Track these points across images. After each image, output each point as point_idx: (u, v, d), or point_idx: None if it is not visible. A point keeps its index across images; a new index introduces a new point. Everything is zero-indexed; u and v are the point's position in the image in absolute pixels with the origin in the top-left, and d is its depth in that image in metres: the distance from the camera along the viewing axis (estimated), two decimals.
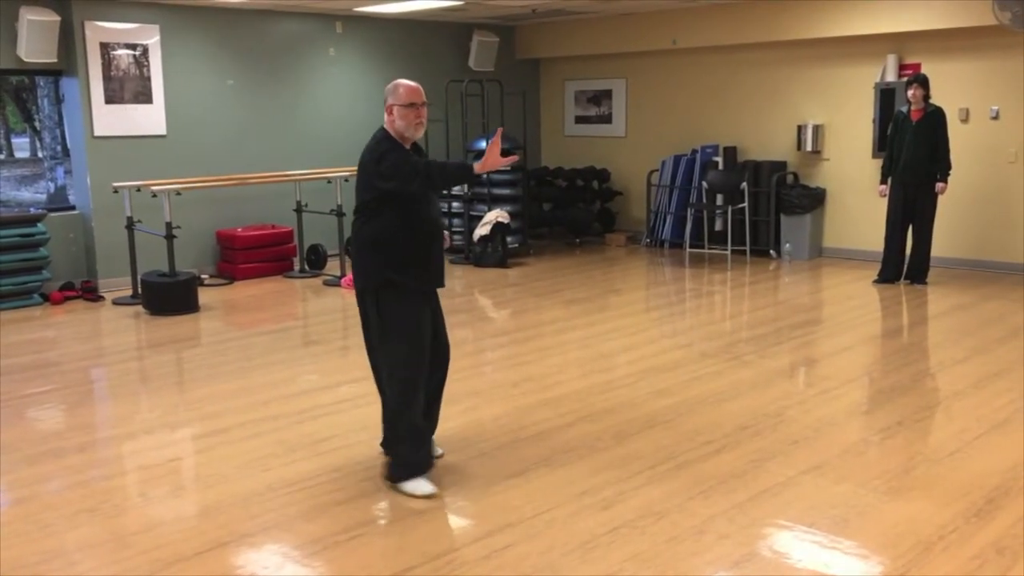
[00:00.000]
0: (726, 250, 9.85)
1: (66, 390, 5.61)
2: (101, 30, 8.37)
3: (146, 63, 8.67)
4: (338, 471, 4.18)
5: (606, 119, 11.59)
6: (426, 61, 10.67)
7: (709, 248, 10.07)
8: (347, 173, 8.88)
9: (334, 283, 8.65)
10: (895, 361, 6.03)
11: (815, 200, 9.71)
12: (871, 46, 9.23)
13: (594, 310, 7.64)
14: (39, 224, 8.04)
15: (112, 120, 8.50)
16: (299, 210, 9.24)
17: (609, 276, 9.24)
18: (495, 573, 3.23)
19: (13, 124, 10.22)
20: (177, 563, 3.34)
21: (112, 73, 8.46)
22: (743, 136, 10.33)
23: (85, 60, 8.30)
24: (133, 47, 8.59)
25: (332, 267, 9.30)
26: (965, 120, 8.77)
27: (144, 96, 8.69)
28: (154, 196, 7.97)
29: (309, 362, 6.11)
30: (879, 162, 8.56)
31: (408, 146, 4.02)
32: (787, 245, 9.83)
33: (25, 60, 8.04)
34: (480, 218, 9.74)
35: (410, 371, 3.96)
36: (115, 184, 8.14)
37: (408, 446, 4.02)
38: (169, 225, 7.84)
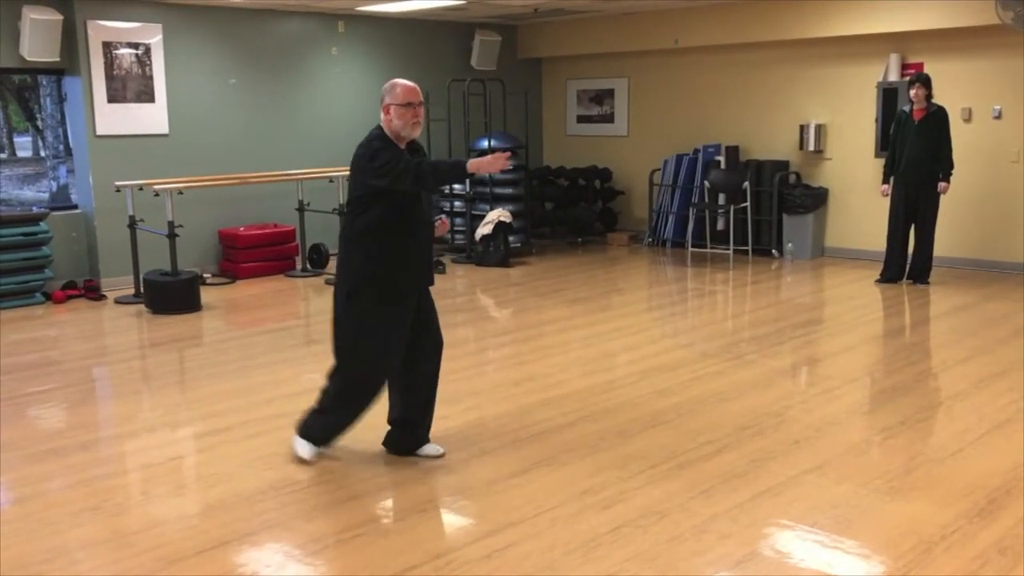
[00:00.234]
0: (728, 250, 9.85)
1: (68, 389, 5.62)
2: (104, 29, 8.38)
3: (148, 62, 8.68)
4: (340, 470, 4.18)
5: (608, 118, 11.59)
6: (428, 60, 10.67)
7: (711, 248, 10.07)
8: (349, 172, 8.86)
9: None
10: (897, 361, 6.03)
11: (817, 200, 9.70)
12: (874, 45, 9.22)
13: (596, 309, 7.64)
14: (41, 223, 8.05)
15: (114, 119, 8.51)
16: (301, 209, 9.25)
17: (611, 275, 9.23)
18: (497, 572, 3.23)
19: (16, 123, 10.23)
20: (179, 562, 3.34)
21: (114, 72, 8.47)
22: (745, 135, 10.33)
23: (88, 59, 8.31)
24: (135, 46, 8.59)
25: (334, 266, 9.28)
26: (968, 120, 8.76)
27: (146, 95, 8.70)
28: (156, 195, 7.98)
29: (311, 361, 6.10)
30: (881, 162, 8.55)
31: (404, 145, 4.05)
32: (789, 245, 9.82)
33: (28, 59, 8.04)
34: (482, 217, 9.74)
35: (360, 385, 4.14)
36: (117, 183, 8.15)
37: (323, 425, 4.23)
38: (171, 224, 7.84)
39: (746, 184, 9.78)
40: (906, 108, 8.14)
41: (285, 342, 6.71)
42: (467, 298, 8.28)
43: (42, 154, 9.64)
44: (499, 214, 9.59)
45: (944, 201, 8.16)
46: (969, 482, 3.94)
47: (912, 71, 8.82)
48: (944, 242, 8.48)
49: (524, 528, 3.56)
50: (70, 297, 8.17)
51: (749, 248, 9.87)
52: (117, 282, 8.47)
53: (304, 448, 4.26)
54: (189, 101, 8.99)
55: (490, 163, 3.90)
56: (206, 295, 8.07)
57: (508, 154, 3.99)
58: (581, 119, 11.86)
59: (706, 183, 10.12)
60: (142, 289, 7.87)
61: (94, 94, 8.36)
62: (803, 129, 9.80)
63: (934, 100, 8.01)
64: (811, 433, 4.58)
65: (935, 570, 3.21)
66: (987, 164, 8.72)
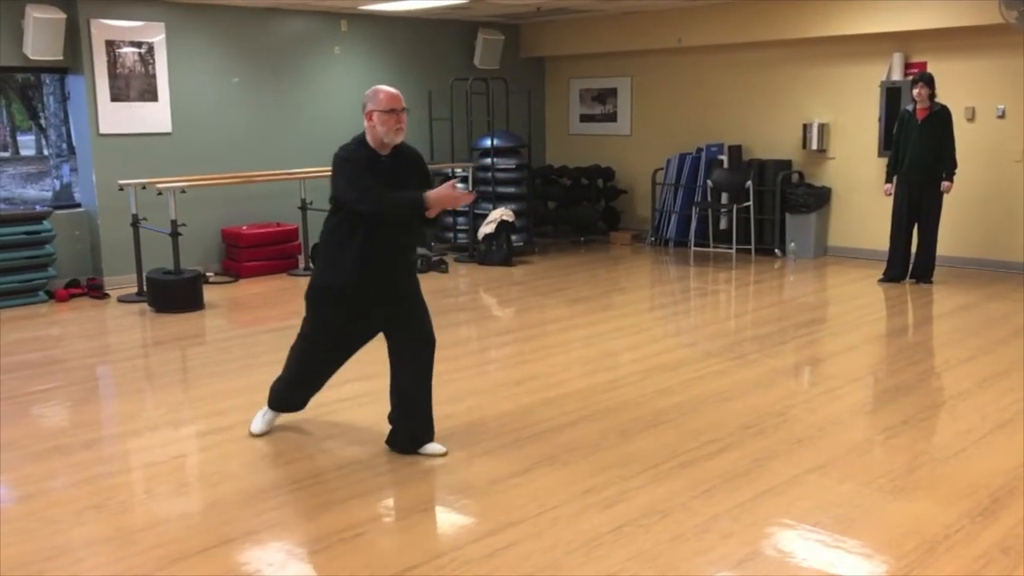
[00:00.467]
0: (731, 249, 9.85)
1: (71, 387, 5.63)
2: (107, 28, 8.39)
3: (151, 61, 8.69)
4: (342, 468, 4.19)
5: (611, 117, 11.58)
6: (431, 59, 10.68)
7: (714, 247, 10.07)
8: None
9: None
10: (900, 360, 6.02)
11: (820, 199, 9.70)
12: (877, 45, 9.21)
13: (598, 309, 7.64)
14: (44, 222, 8.06)
15: (118, 118, 8.52)
16: (304, 208, 9.25)
17: (613, 275, 9.23)
18: (498, 572, 3.24)
19: (19, 122, 10.25)
20: (182, 560, 3.35)
21: (118, 71, 8.48)
22: (748, 135, 10.32)
23: (91, 58, 8.32)
24: (139, 45, 8.60)
25: None
26: (971, 119, 8.75)
27: (150, 94, 8.71)
28: (159, 194, 7.99)
29: None
30: (884, 161, 8.55)
31: (389, 151, 4.11)
32: (792, 244, 9.82)
33: (31, 58, 8.05)
34: (485, 216, 9.75)
35: (297, 354, 4.54)
36: (120, 182, 8.15)
37: (273, 391, 4.63)
38: (174, 223, 7.85)
39: (749, 183, 9.77)
40: (909, 107, 8.13)
41: (287, 341, 6.64)
42: (469, 297, 8.28)
43: (45, 153, 9.66)
44: (502, 213, 9.59)
45: (947, 200, 8.15)
46: (972, 482, 3.93)
47: (915, 70, 8.81)
48: (947, 242, 8.48)
49: (526, 527, 3.56)
50: (73, 296, 8.18)
51: (752, 247, 9.86)
52: (120, 281, 8.48)
53: (259, 416, 4.66)
54: (192, 100, 9.00)
55: (452, 199, 3.98)
56: (209, 294, 8.08)
57: (472, 195, 4.05)
58: (584, 118, 11.86)
59: (709, 182, 10.12)
60: (145, 288, 7.88)
61: (97, 93, 8.37)
62: (806, 128, 9.80)
63: (937, 99, 8.00)
64: (813, 432, 4.57)
65: (937, 570, 3.21)
66: (990, 164, 8.71)
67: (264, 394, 4.72)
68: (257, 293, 8.44)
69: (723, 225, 10.15)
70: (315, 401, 5.18)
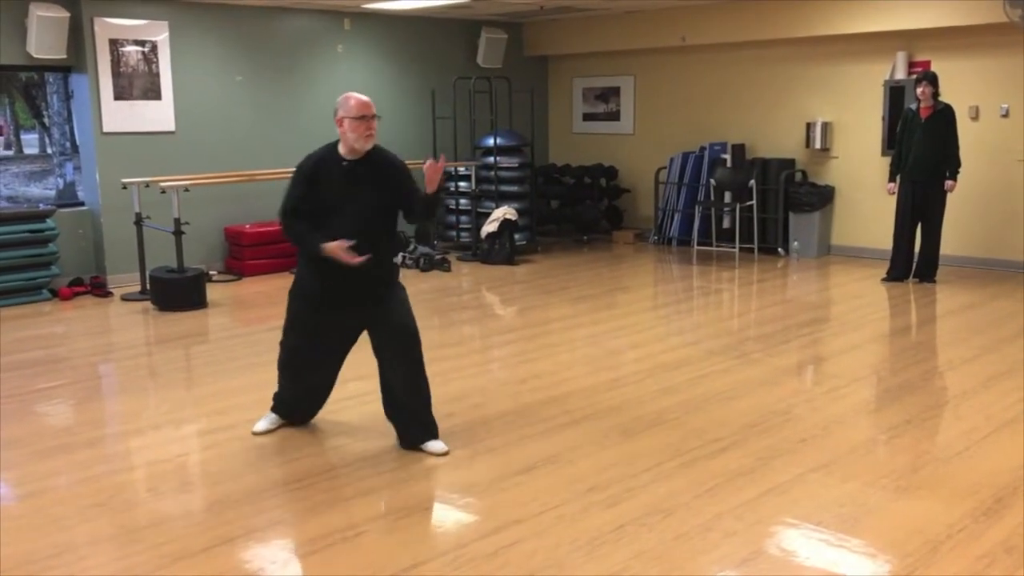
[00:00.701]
0: (734, 248, 9.84)
1: (75, 386, 5.63)
2: (110, 26, 8.39)
3: (155, 59, 8.69)
4: (345, 467, 4.19)
5: (614, 116, 11.58)
6: (434, 58, 10.68)
7: (717, 246, 10.06)
8: None
9: None
10: (903, 359, 6.02)
11: (823, 198, 9.69)
12: (880, 43, 9.20)
13: (601, 307, 7.64)
14: (48, 220, 8.07)
15: (121, 116, 8.53)
16: None
17: (616, 273, 9.23)
18: (502, 570, 3.24)
19: (22, 120, 10.26)
20: (185, 558, 3.35)
21: (121, 69, 8.48)
22: (752, 133, 10.31)
23: (94, 56, 8.32)
24: (142, 43, 8.61)
25: None
26: (975, 118, 8.74)
27: (153, 92, 8.71)
28: (163, 192, 7.99)
29: None
30: (888, 160, 8.54)
31: (359, 156, 4.23)
32: (795, 243, 9.81)
33: (34, 56, 8.06)
34: (488, 215, 9.75)
35: (281, 363, 4.57)
36: (124, 180, 8.16)
37: (275, 399, 4.64)
38: (178, 221, 7.86)
39: (752, 182, 9.77)
40: (913, 106, 8.12)
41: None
42: (472, 296, 8.28)
43: (49, 151, 9.66)
44: (505, 212, 9.59)
45: (951, 199, 8.14)
46: (975, 481, 3.93)
47: (919, 69, 8.79)
48: (951, 241, 8.47)
49: (529, 525, 3.56)
50: (76, 294, 8.19)
51: (755, 246, 9.86)
52: (123, 279, 8.48)
53: (264, 417, 4.65)
54: (195, 98, 9.00)
55: (341, 255, 4.11)
56: (212, 292, 8.09)
57: (362, 259, 4.08)
58: (587, 117, 11.85)
59: (712, 181, 10.11)
60: (148, 286, 7.89)
61: (101, 91, 8.38)
62: (809, 127, 9.79)
63: (941, 98, 7.99)
64: (817, 432, 4.57)
65: (941, 569, 3.20)
66: (994, 162, 8.70)
67: (266, 393, 4.73)
68: (260, 291, 8.45)
69: (726, 224, 10.14)
70: None
